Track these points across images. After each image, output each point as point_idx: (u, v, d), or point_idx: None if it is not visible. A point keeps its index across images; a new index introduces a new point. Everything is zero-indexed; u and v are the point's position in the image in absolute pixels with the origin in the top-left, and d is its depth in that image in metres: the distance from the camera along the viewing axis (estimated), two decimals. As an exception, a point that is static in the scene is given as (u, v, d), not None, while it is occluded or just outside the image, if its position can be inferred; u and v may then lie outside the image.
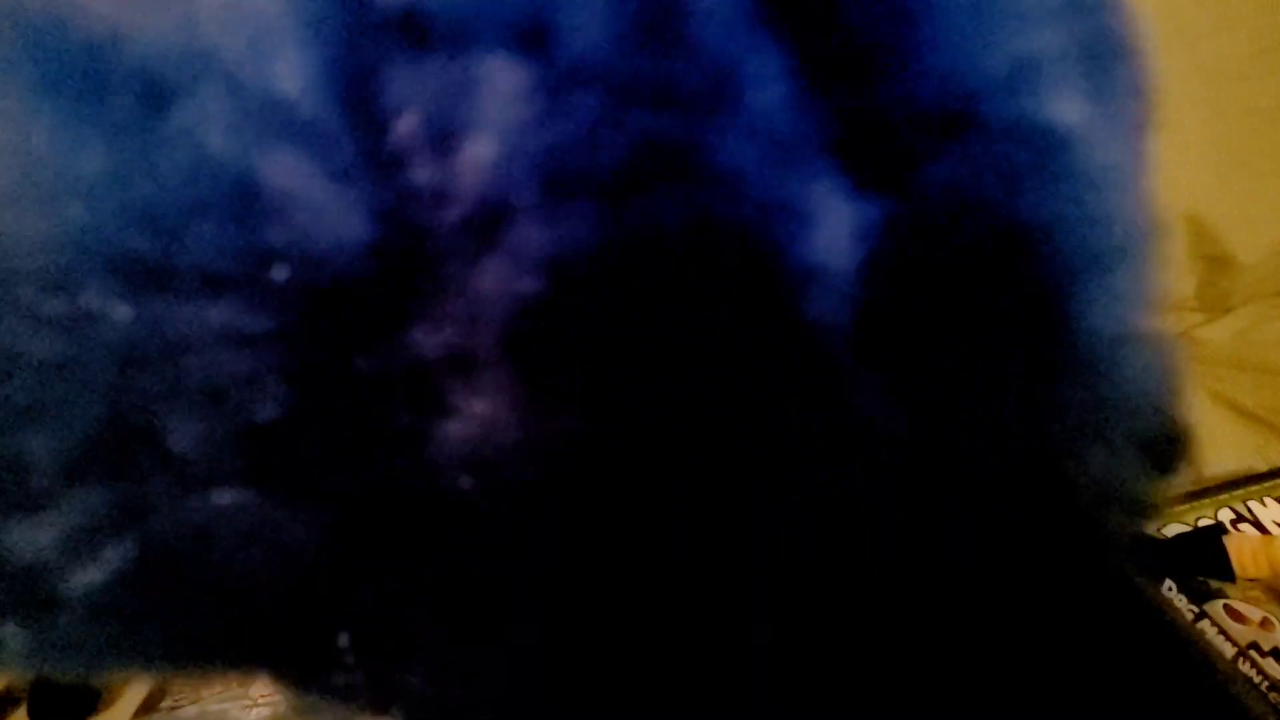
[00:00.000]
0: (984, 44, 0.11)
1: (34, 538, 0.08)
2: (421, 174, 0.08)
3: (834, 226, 0.09)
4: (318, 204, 0.08)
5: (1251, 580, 0.46)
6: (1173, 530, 0.51)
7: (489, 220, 0.08)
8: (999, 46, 0.11)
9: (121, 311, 0.08)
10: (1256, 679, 0.42)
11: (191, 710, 0.54)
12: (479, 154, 0.08)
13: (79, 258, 0.07)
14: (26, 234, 0.07)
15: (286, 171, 0.08)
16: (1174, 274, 0.77)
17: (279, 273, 0.08)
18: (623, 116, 0.08)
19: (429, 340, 0.08)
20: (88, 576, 0.08)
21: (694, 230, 0.08)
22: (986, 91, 0.11)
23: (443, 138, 0.08)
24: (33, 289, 0.07)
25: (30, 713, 0.57)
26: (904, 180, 0.10)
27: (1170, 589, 0.48)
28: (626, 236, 0.08)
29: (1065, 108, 0.12)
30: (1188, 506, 0.53)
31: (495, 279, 0.08)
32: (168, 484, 0.08)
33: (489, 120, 0.08)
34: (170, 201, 0.08)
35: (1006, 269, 0.11)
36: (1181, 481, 0.58)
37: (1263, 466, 0.56)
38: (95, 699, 0.58)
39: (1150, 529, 0.52)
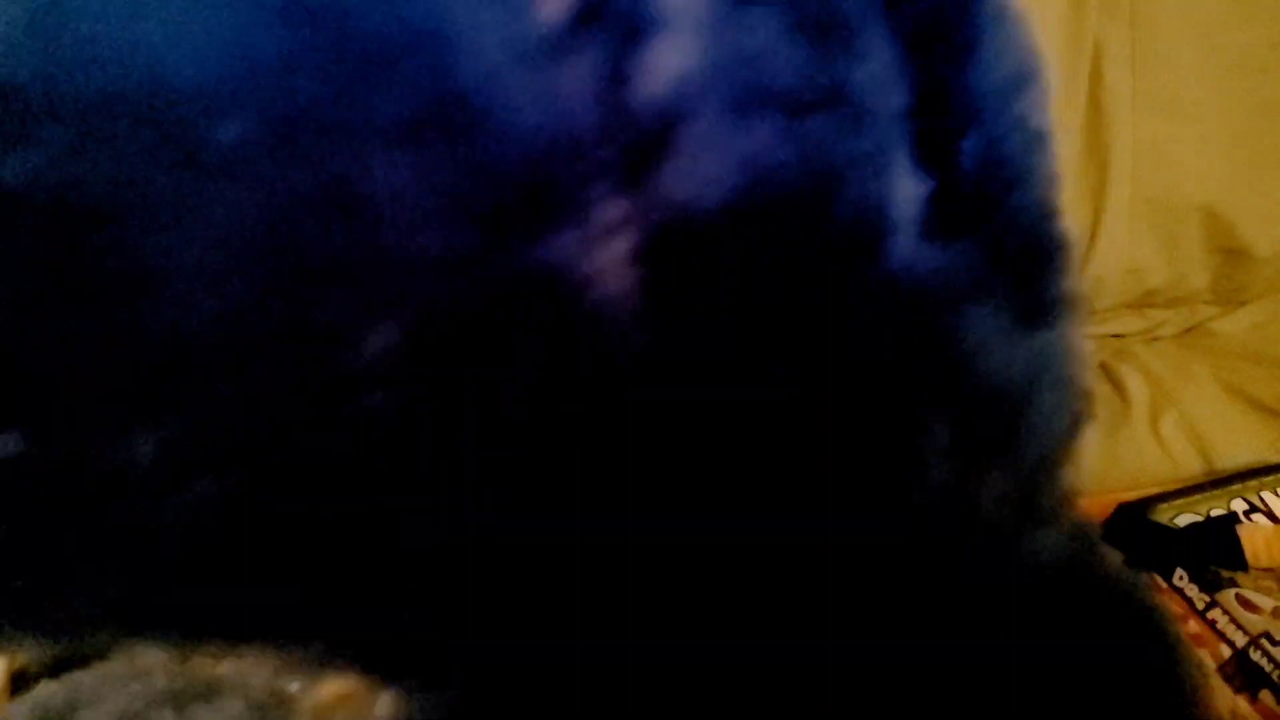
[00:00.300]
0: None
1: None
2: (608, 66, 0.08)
3: (908, 190, 0.10)
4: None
5: (1264, 570, 0.47)
6: (1185, 520, 0.51)
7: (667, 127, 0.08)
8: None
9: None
10: (1268, 667, 0.42)
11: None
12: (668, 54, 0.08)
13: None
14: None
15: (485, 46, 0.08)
16: (1190, 266, 0.77)
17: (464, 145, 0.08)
18: (794, 41, 0.09)
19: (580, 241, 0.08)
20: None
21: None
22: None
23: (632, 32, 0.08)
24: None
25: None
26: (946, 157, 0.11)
27: (1182, 578, 0.48)
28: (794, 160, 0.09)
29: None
30: (1201, 497, 0.53)
31: (669, 186, 0.08)
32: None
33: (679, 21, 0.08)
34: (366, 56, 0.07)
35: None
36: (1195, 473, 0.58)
37: (1276, 458, 0.57)
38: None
39: (1162, 518, 0.52)
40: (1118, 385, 0.71)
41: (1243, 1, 0.69)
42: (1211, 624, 0.45)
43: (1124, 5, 0.69)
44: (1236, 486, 0.54)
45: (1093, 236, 0.78)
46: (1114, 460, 0.64)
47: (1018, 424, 0.12)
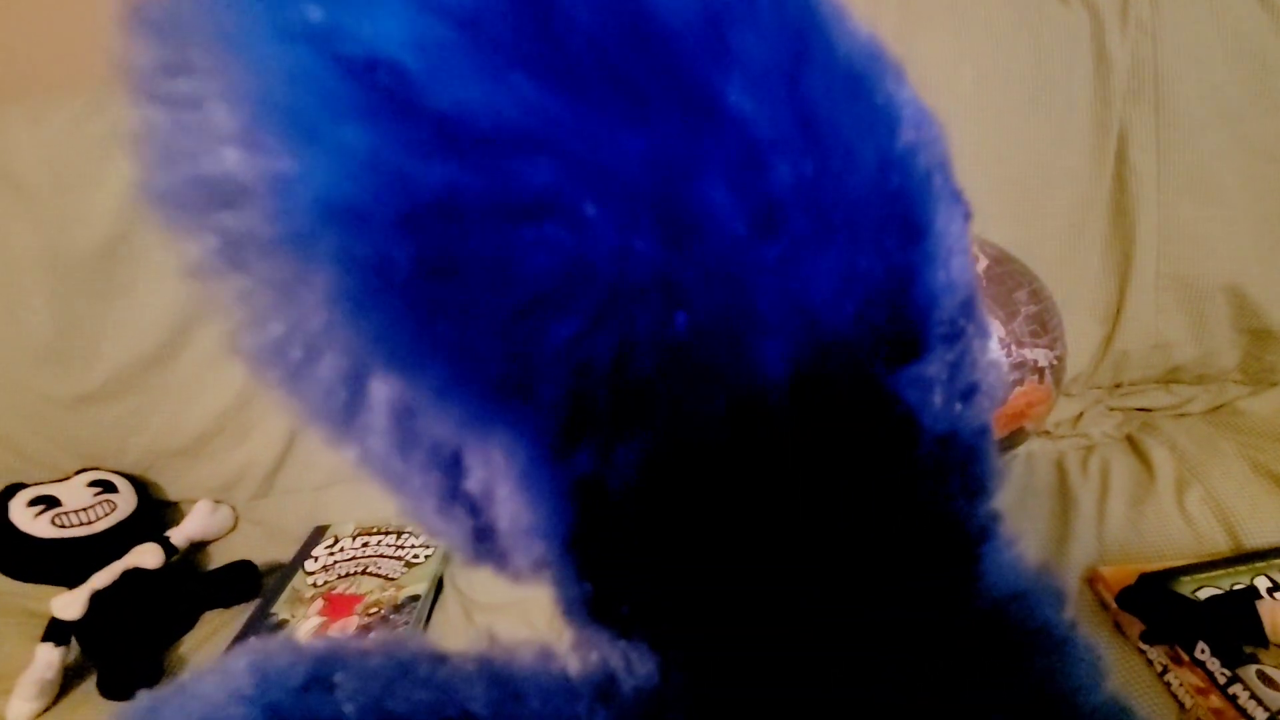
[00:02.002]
0: None
1: None
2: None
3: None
4: None
5: (1287, 649, 0.46)
6: (1207, 593, 0.51)
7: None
8: None
9: None
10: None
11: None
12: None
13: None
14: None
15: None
16: (1218, 344, 0.77)
17: None
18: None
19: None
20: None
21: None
22: None
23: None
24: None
25: (100, 686, 0.61)
26: None
27: (1204, 651, 0.48)
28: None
29: None
30: (1224, 571, 0.53)
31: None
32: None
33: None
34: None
35: None
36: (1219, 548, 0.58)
37: (1303, 538, 0.56)
38: (159, 676, 0.62)
39: (1184, 590, 0.52)
40: (1143, 458, 0.71)
41: (1265, 93, 0.72)
42: (1233, 699, 0.45)
43: (1148, 92, 0.73)
44: (1261, 564, 0.54)
45: (1119, 311, 0.79)
46: (1138, 532, 0.64)
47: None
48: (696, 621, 0.11)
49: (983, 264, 0.56)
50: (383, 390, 0.09)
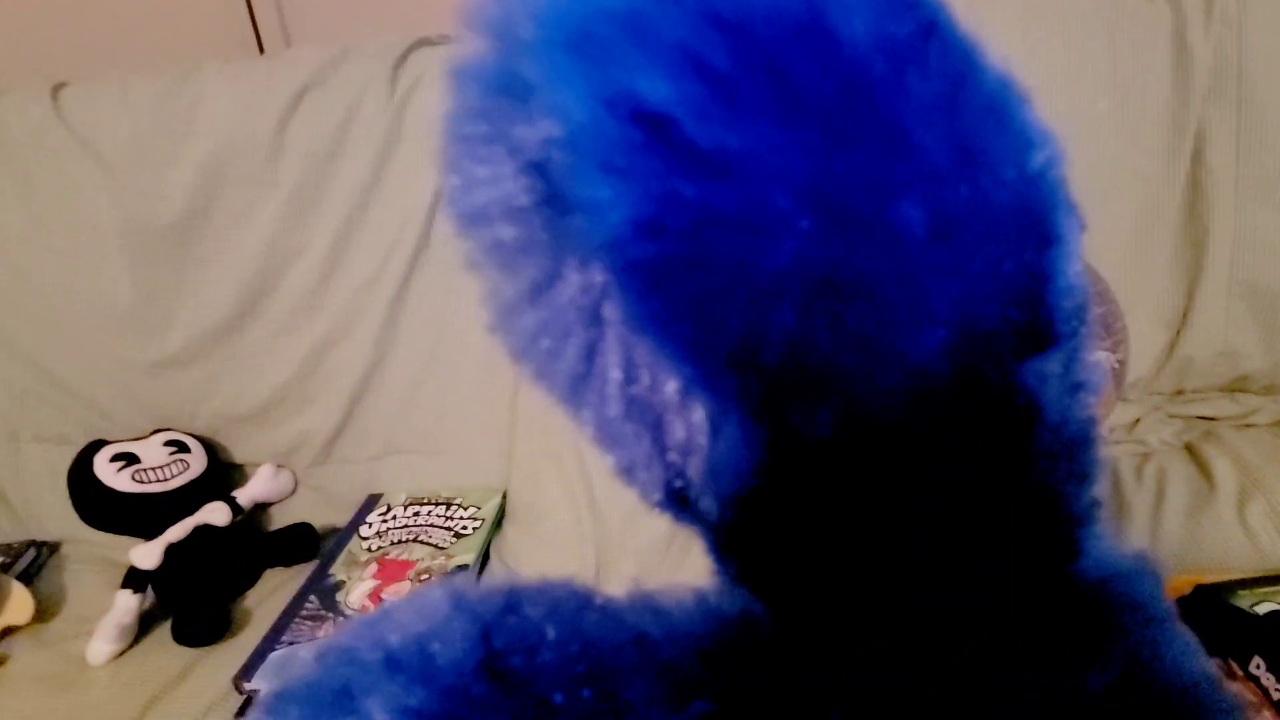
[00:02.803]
0: None
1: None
2: None
3: None
4: None
5: (1350, 670, 0.45)
6: (1266, 608, 0.50)
7: None
8: None
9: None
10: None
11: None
12: None
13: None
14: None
15: None
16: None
17: None
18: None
19: None
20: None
21: None
22: None
23: None
24: None
25: (174, 633, 0.65)
26: None
27: (1259, 666, 0.47)
28: None
29: None
30: (1284, 587, 0.52)
31: None
32: None
33: None
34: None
35: None
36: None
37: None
38: (227, 626, 0.66)
39: (1242, 603, 0.51)
40: (1203, 468, 0.69)
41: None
42: (1289, 717, 0.44)
43: (1230, 92, 0.70)
44: (1325, 581, 0.52)
45: (1186, 316, 0.77)
46: (1195, 543, 0.62)
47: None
48: (827, 573, 0.13)
49: (1047, 264, 0.56)
50: (613, 367, 0.11)
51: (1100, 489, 0.14)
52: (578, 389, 0.12)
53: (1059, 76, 0.71)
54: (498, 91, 0.10)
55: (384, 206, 0.77)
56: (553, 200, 0.10)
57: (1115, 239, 0.74)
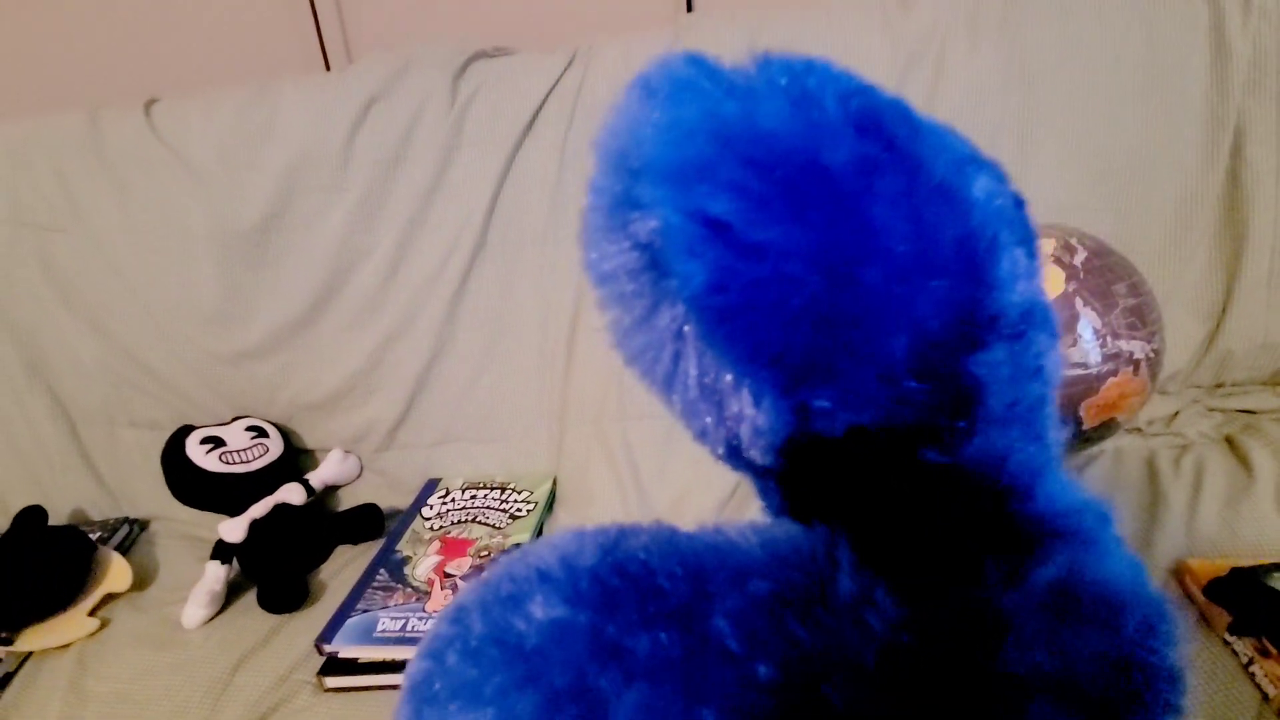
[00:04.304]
0: None
1: None
2: None
3: None
4: None
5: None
6: (1299, 588, 0.51)
7: None
8: None
9: None
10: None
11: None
12: None
13: None
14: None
15: None
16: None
17: None
18: None
19: None
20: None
21: None
22: None
23: None
24: None
25: (259, 600, 0.71)
26: None
27: (1293, 644, 0.48)
28: None
29: None
30: (1320, 570, 0.53)
31: None
32: None
33: None
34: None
35: None
36: None
37: None
38: (306, 595, 0.71)
39: (1276, 584, 0.53)
40: (1243, 460, 0.69)
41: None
42: (1320, 690, 0.45)
43: (1270, 84, 0.70)
44: (1362, 565, 0.53)
45: (1225, 309, 0.77)
46: (1231, 531, 0.63)
47: None
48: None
49: (1081, 256, 0.58)
50: (691, 367, 0.16)
51: (1055, 448, 0.17)
52: (670, 382, 0.17)
53: (1097, 71, 0.73)
54: (619, 200, 0.15)
55: (444, 210, 0.83)
56: (655, 267, 0.16)
57: (1153, 232, 0.75)
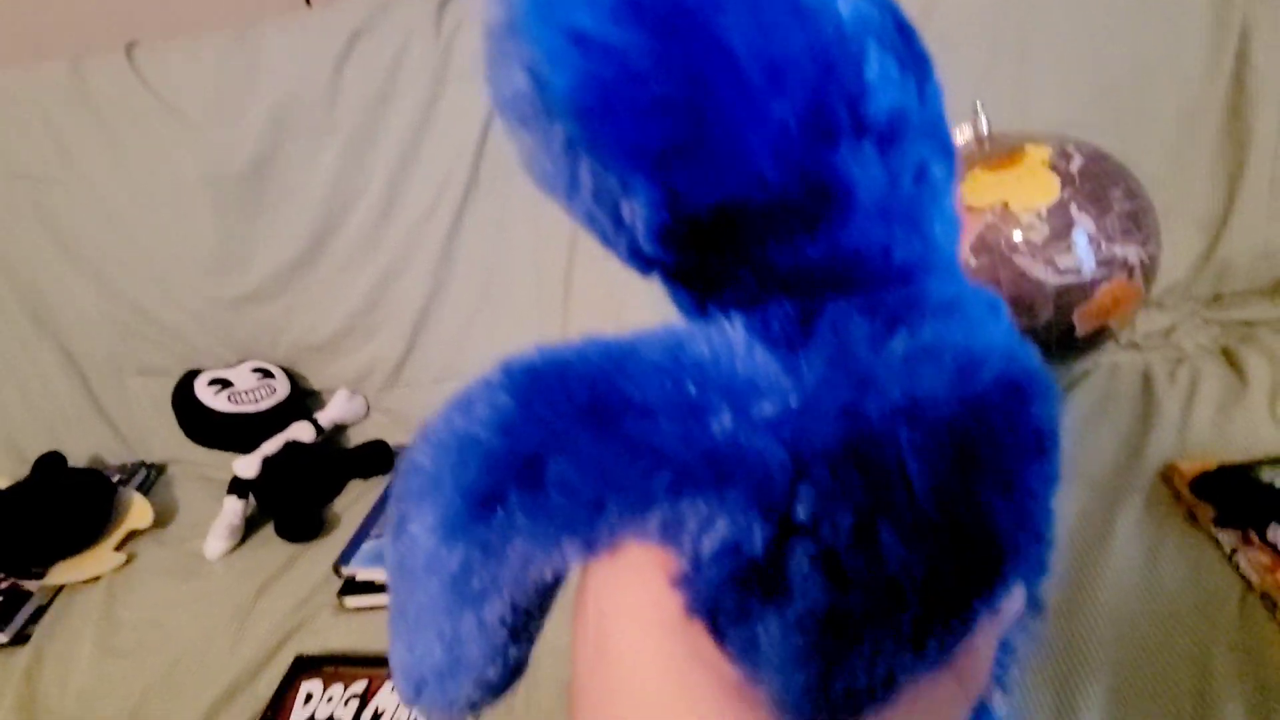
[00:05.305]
0: None
1: None
2: None
3: None
4: None
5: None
6: (1284, 479, 0.53)
7: None
8: None
9: None
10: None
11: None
12: None
13: None
14: None
15: None
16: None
17: None
18: None
19: None
20: None
21: None
22: None
23: None
24: None
25: (278, 530, 0.74)
26: None
27: (1277, 532, 0.50)
28: None
29: None
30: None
31: None
32: None
33: None
34: None
35: None
36: None
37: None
38: (322, 525, 0.74)
39: (1262, 478, 0.54)
40: (1238, 369, 0.70)
41: None
42: (1300, 572, 0.47)
43: (1278, -15, 0.68)
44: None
45: (1226, 218, 0.77)
46: (1223, 435, 0.64)
47: None
48: None
49: (1078, 163, 0.57)
50: (587, 183, 0.17)
51: (947, 250, 0.18)
52: (572, 195, 0.17)
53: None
54: (503, 29, 0.17)
55: (435, 146, 0.82)
56: (539, 87, 0.16)
57: (1155, 139, 0.73)
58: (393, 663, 0.19)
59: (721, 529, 0.14)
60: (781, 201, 0.15)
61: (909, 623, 0.14)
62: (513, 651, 0.18)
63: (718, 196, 0.15)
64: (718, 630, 0.15)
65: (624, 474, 0.15)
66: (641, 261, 0.18)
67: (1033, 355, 0.16)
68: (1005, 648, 0.17)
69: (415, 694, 0.18)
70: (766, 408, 0.15)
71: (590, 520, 0.15)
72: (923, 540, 0.14)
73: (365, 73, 0.80)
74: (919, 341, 0.15)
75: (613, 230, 0.17)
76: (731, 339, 0.16)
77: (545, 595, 0.17)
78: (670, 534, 0.15)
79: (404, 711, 0.53)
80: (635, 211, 0.16)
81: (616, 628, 0.15)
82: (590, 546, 0.15)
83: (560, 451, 0.15)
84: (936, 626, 0.14)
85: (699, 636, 0.15)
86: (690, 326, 0.17)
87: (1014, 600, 0.16)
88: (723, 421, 0.15)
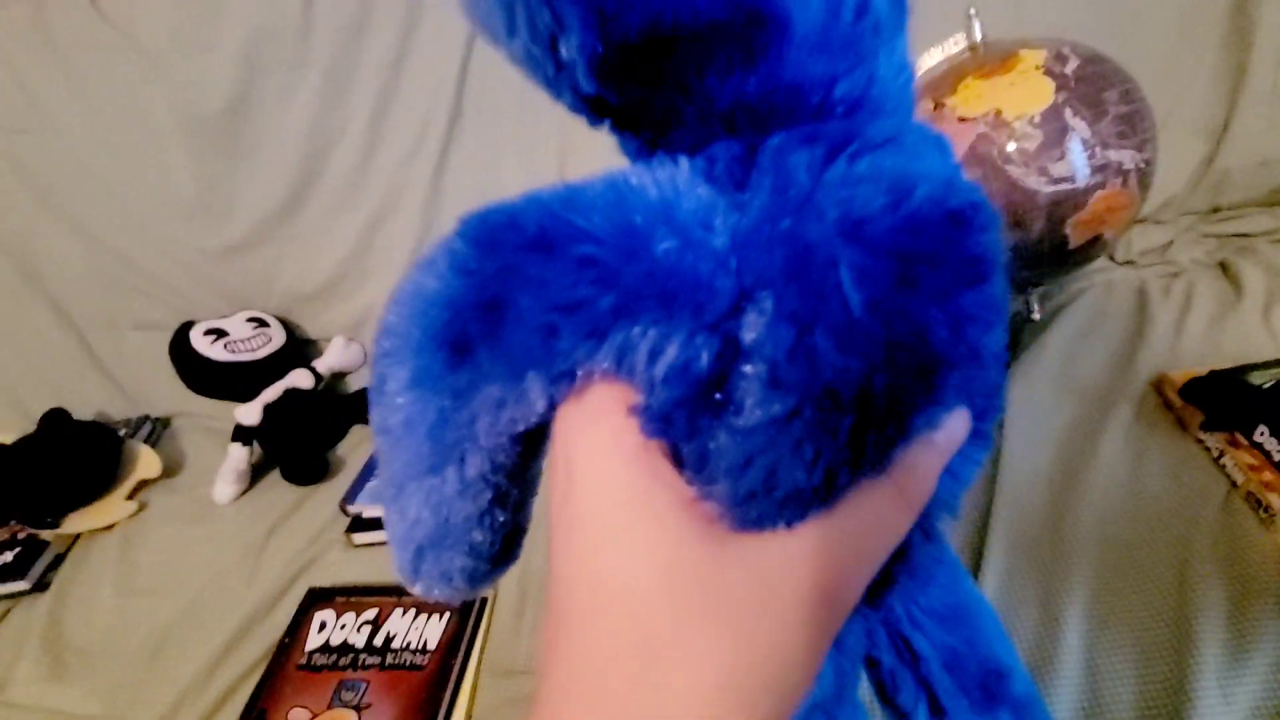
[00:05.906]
0: None
1: None
2: None
3: None
4: None
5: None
6: (1270, 381, 0.53)
7: None
8: None
9: None
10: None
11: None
12: None
13: None
14: None
15: None
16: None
17: None
18: None
19: None
20: None
21: None
22: None
23: None
24: None
25: (284, 474, 0.75)
26: None
27: (1263, 433, 0.51)
28: None
29: None
30: (1293, 364, 0.54)
31: None
32: None
33: None
34: None
35: None
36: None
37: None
38: (327, 468, 0.75)
39: (1252, 382, 0.54)
40: (1234, 280, 0.70)
41: None
42: (1284, 470, 0.48)
43: None
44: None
45: (1225, 126, 0.75)
46: (1215, 345, 0.64)
47: None
48: None
49: (1073, 65, 0.55)
50: (519, 15, 0.16)
51: (895, 85, 0.18)
52: (512, 33, 0.17)
53: None
54: None
55: (414, 79, 0.79)
56: None
57: (1155, 44, 0.71)
58: (390, 537, 0.19)
59: (671, 354, 0.15)
60: (714, 26, 0.15)
61: (846, 430, 0.14)
62: (499, 515, 0.18)
63: (646, 17, 0.15)
64: (674, 450, 0.16)
65: (572, 295, 0.15)
66: (587, 109, 0.18)
67: (975, 189, 0.16)
68: (953, 474, 0.18)
69: (414, 570, 0.19)
70: (711, 237, 0.15)
71: (546, 348, 0.15)
72: (859, 350, 0.14)
73: (337, 0, 0.77)
74: (856, 167, 0.15)
75: (554, 72, 0.17)
76: (676, 177, 0.16)
77: (524, 454, 0.18)
78: (624, 363, 0.15)
79: (415, 633, 0.55)
80: (570, 45, 0.16)
81: (580, 463, 0.16)
82: (552, 382, 0.16)
83: (513, 281, 0.16)
84: (872, 433, 0.14)
85: (656, 459, 0.15)
86: (637, 167, 0.17)
87: (956, 423, 0.16)
88: (667, 247, 0.15)
